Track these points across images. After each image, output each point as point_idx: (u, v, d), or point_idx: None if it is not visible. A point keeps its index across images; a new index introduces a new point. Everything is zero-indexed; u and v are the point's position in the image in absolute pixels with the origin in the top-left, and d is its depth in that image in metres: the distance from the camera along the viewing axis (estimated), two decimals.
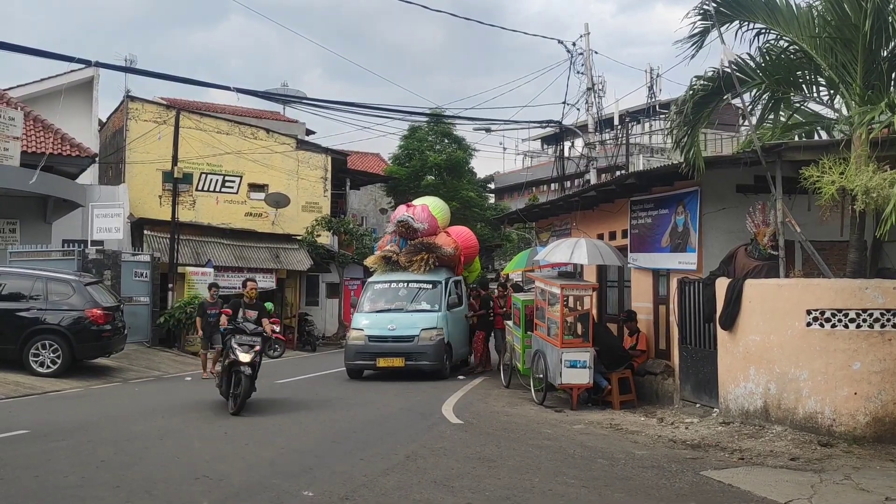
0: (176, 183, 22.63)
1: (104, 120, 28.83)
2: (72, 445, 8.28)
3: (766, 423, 9.26)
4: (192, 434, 9.19)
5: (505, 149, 59.21)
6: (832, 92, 10.44)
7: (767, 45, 10.62)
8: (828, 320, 8.75)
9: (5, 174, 17.24)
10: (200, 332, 15.86)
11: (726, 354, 10.06)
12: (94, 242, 19.46)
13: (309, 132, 35.45)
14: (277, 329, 22.46)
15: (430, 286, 16.40)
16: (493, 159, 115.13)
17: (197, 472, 7.06)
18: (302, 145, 29.62)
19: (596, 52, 26.29)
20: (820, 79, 10.39)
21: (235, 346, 10.57)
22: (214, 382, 11.72)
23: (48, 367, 14.08)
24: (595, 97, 23.62)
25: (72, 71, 23.37)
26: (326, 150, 30.02)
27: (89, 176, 23.52)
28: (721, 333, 10.14)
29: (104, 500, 6.09)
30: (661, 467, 7.66)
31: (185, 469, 7.23)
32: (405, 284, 16.65)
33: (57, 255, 18.37)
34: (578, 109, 24.18)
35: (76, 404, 11.96)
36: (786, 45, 10.50)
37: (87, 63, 17.24)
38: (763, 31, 10.60)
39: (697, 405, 10.93)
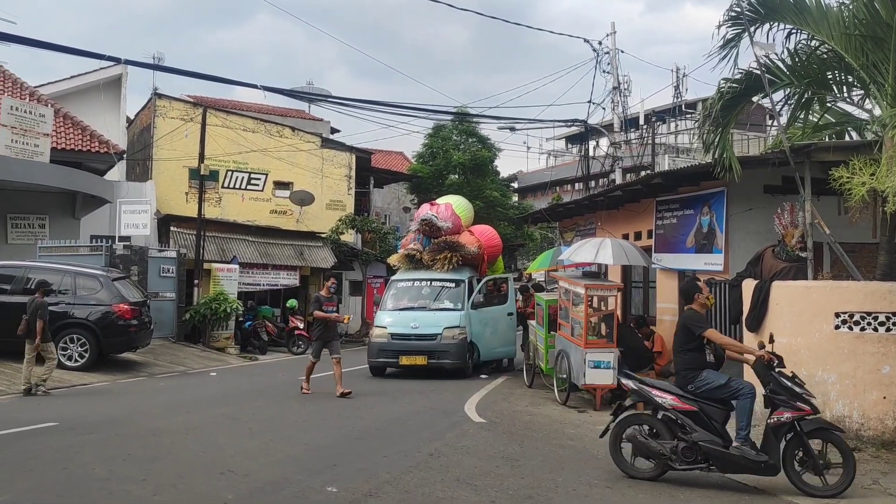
0: (202, 180, 22.78)
1: (132, 117, 29.14)
2: (99, 439, 8.39)
3: None
4: (216, 429, 9.26)
5: (529, 148, 59.27)
6: (863, 92, 10.30)
7: (798, 45, 10.50)
8: (857, 323, 8.64)
9: (36, 170, 17.49)
10: (311, 335, 12.93)
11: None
12: (122, 238, 19.66)
13: (333, 130, 35.59)
14: (301, 326, 22.69)
15: (454, 285, 16.40)
16: (516, 158, 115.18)
17: (222, 466, 7.12)
18: (326, 143, 29.73)
19: (622, 52, 26.15)
20: (851, 79, 10.25)
21: (795, 386, 6.96)
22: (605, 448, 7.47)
23: (76, 360, 14.27)
24: (621, 96, 23.56)
25: (101, 69, 23.70)
26: (351, 149, 30.11)
27: (117, 172, 23.79)
28: (747, 335, 10.04)
29: (131, 493, 6.16)
30: None
31: (210, 464, 7.30)
32: (428, 283, 16.67)
33: (85, 250, 18.57)
34: (604, 109, 24.20)
35: (103, 398, 12.11)
36: (816, 45, 10.38)
37: (117, 61, 17.50)
38: (793, 31, 10.47)
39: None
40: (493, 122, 35.31)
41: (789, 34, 10.45)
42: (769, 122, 32.29)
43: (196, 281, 21.68)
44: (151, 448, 7.94)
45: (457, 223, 17.25)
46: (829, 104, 11.08)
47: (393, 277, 17.70)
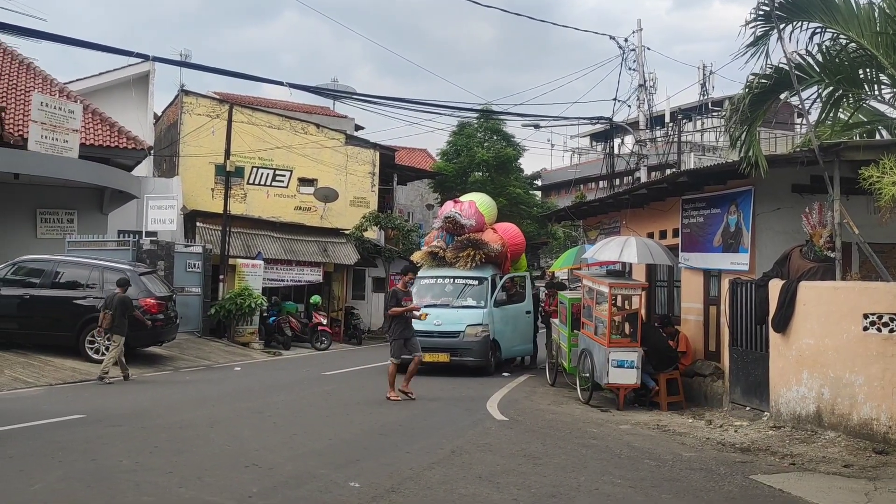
0: (228, 176, 22.96)
1: (159, 113, 29.42)
2: (126, 431, 8.49)
3: (819, 428, 9.06)
4: (241, 423, 9.34)
5: (553, 146, 59.04)
6: (895, 91, 10.15)
7: (827, 43, 10.36)
8: (885, 325, 8.52)
9: (65, 165, 17.72)
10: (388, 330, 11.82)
11: (778, 357, 9.87)
12: (149, 233, 19.86)
13: (358, 127, 35.70)
14: (324, 322, 22.81)
15: (476, 282, 16.40)
16: (540, 156, 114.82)
17: (246, 460, 7.18)
18: (351, 140, 29.84)
19: (648, 49, 25.99)
20: (882, 77, 10.11)
21: None
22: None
23: (103, 353, 14.41)
24: (646, 94, 23.42)
25: (129, 65, 23.98)
26: (375, 146, 30.20)
27: (144, 168, 24.04)
28: (773, 336, 9.96)
29: (157, 485, 6.23)
30: (710, 470, 7.55)
31: (234, 457, 7.36)
32: (451, 280, 16.68)
33: (112, 245, 18.76)
34: (629, 106, 24.09)
35: (129, 391, 12.25)
36: (846, 42, 10.23)
37: (145, 57, 17.69)
38: (820, 29, 10.33)
39: (747, 408, 10.75)
40: (517, 120, 35.35)
41: (813, 33, 10.32)
42: (797, 121, 31.90)
43: (221, 276, 21.87)
44: (177, 441, 8.02)
45: (480, 221, 17.24)
46: (859, 102, 10.93)
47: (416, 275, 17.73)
